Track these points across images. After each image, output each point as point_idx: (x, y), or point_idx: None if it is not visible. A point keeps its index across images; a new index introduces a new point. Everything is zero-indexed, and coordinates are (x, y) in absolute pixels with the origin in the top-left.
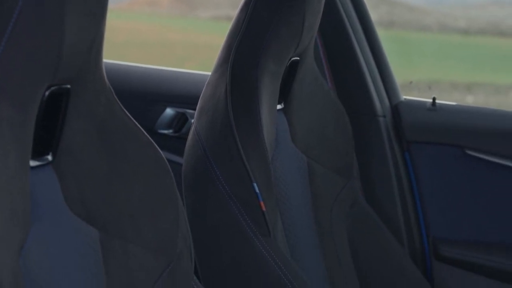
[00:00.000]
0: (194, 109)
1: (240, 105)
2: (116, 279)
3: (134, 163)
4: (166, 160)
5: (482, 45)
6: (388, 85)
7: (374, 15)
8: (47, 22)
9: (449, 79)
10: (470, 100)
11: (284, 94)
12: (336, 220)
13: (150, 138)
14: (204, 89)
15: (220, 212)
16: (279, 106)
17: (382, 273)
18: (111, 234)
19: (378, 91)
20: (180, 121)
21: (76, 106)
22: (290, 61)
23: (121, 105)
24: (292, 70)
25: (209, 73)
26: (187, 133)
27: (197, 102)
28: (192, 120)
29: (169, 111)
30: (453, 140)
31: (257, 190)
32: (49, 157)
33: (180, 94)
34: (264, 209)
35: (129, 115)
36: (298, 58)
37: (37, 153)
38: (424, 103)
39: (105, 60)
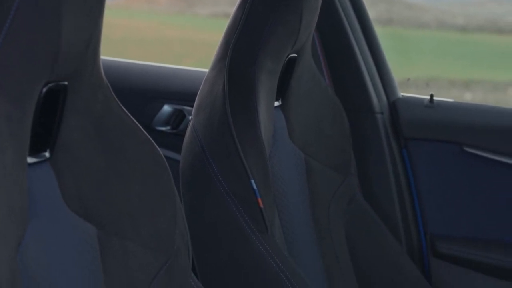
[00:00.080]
0: (192, 106)
1: (238, 102)
2: (114, 275)
3: (131, 160)
4: (163, 157)
5: (481, 42)
6: (386, 82)
7: (372, 12)
8: (45, 19)
9: (447, 76)
10: (468, 97)
11: (282, 91)
12: (334, 217)
13: (147, 135)
14: (201, 86)
15: (217, 209)
16: (276, 103)
17: (379, 270)
18: (109, 231)
19: (376, 88)
20: (178, 118)
21: (73, 103)
22: (287, 58)
23: (118, 102)
24: (289, 67)
25: (207, 70)
26: (184, 130)
27: (195, 99)
28: (190, 117)
29: (166, 108)
30: (451, 137)
31: (255, 187)
32: (47, 154)
33: (178, 91)
34: (261, 206)
35: (126, 112)
36: (296, 55)
37: (35, 150)
38: (422, 100)
39: (103, 57)
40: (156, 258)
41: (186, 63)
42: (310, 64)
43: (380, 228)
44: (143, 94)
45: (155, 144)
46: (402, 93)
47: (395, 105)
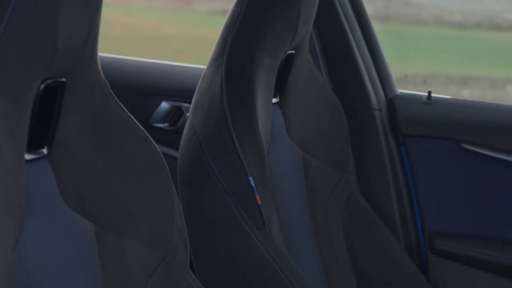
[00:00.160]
0: (190, 103)
1: (236, 98)
2: (112, 272)
3: (129, 156)
4: (161, 154)
5: (478, 39)
6: (383, 79)
7: (370, 9)
8: (42, 15)
9: (445, 73)
10: (466, 94)
11: (280, 88)
12: (332, 214)
13: (145, 131)
14: (199, 82)
15: (215, 206)
16: (274, 100)
17: (377, 267)
18: (106, 228)
19: (374, 84)
20: (176, 115)
21: (71, 100)
22: (285, 54)
23: (116, 98)
24: (287, 63)
25: (205, 67)
26: (182, 127)
27: (193, 95)
28: (188, 114)
29: (164, 105)
30: (448, 133)
31: (253, 184)
32: (44, 151)
33: (176, 88)
34: (259, 202)
35: (124, 108)
36: (294, 52)
37: (32, 147)
38: (419, 96)
39: (101, 53)
40: (154, 255)
41: (183, 59)
42: (308, 61)
43: (378, 225)
44: (141, 91)
45: (153, 141)
46: (400, 90)
47: (393, 102)
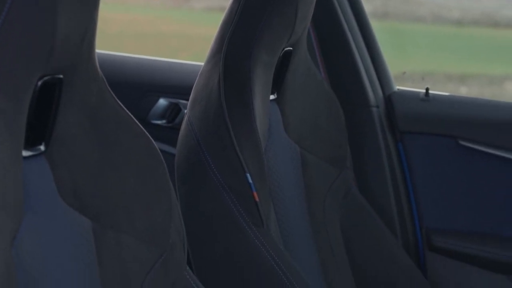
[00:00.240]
0: (187, 100)
1: (233, 95)
2: (109, 269)
3: (127, 153)
4: (159, 151)
5: (476, 36)
6: (381, 76)
7: (368, 6)
8: (40, 12)
9: (443, 70)
10: (464, 91)
11: (277, 85)
12: (329, 211)
13: (143, 128)
14: (197, 79)
15: (213, 203)
16: (272, 97)
17: (375, 264)
18: (104, 225)
19: (372, 81)
20: (173, 112)
21: (68, 96)
22: (283, 51)
23: (113, 95)
24: (285, 60)
25: (202, 64)
26: (180, 124)
27: (190, 92)
28: (185, 111)
29: (162, 102)
30: (446, 130)
31: (250, 181)
32: (42, 147)
33: (173, 85)
34: (257, 199)
35: (122, 105)
36: (291, 49)
37: (30, 143)
38: (417, 93)
39: (99, 50)
40: (151, 251)
41: (181, 56)
42: (306, 58)
43: (375, 222)
44: (139, 87)
45: (151, 138)
46: (398, 87)
47: (390, 99)
